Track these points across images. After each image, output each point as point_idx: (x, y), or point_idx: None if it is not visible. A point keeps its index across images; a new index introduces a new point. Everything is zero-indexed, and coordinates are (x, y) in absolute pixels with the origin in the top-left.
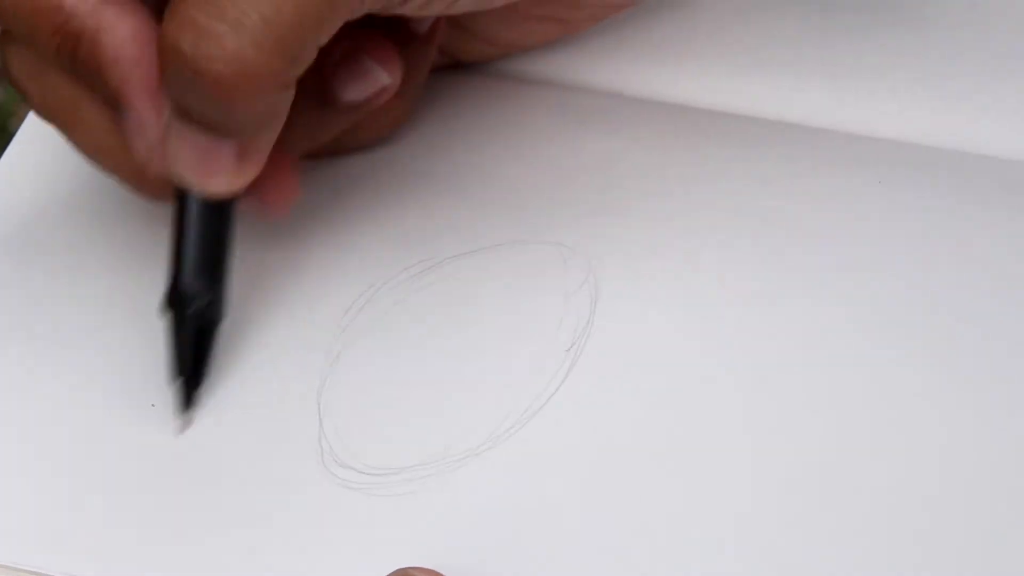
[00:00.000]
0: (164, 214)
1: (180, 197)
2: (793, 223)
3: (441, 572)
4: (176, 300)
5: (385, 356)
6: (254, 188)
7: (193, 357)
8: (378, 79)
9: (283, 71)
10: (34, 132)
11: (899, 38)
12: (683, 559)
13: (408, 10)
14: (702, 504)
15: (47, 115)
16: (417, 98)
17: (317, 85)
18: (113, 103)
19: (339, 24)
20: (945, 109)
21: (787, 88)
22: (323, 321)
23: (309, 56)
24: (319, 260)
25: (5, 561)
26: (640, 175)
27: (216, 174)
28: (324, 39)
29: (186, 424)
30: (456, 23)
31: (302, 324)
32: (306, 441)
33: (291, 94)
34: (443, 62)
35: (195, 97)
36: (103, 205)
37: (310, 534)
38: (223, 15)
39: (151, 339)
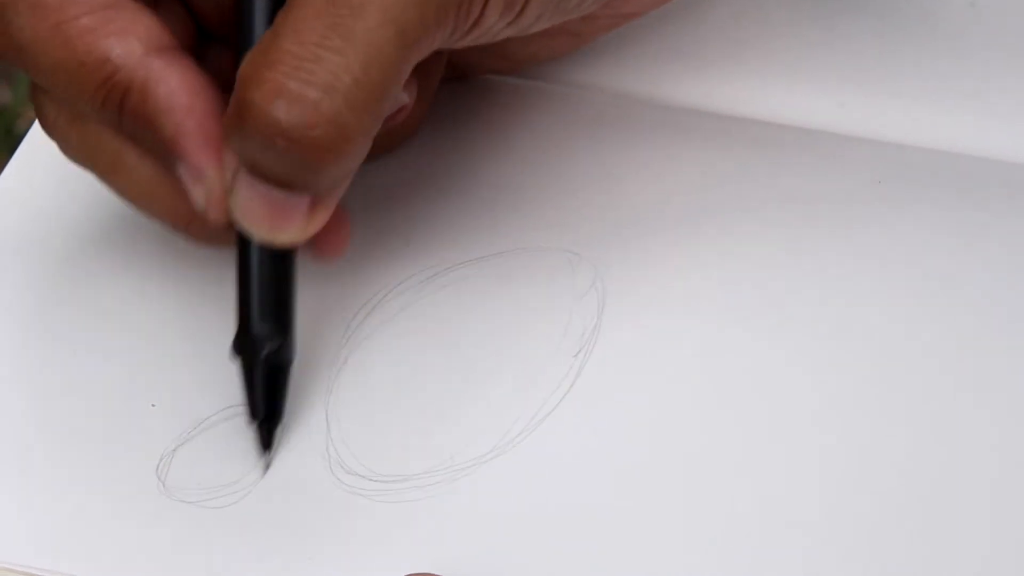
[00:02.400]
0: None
1: (242, 242)
2: (801, 228)
3: None
4: (247, 345)
5: (392, 363)
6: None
7: (267, 399)
8: (397, 98)
9: (373, 128)
10: (43, 135)
11: (903, 42)
12: (690, 565)
13: (459, 45)
14: (709, 510)
15: (87, 163)
16: (427, 109)
17: None
18: (164, 154)
19: (410, 71)
20: (947, 112)
21: (795, 92)
22: (330, 328)
23: (388, 108)
24: (326, 268)
25: (5, 562)
26: (646, 180)
27: (288, 227)
28: (400, 88)
29: (267, 465)
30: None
31: (309, 331)
32: (314, 448)
33: (369, 146)
34: (452, 74)
35: (280, 161)
36: (111, 210)
37: (318, 540)
38: (314, 79)
39: (152, 340)
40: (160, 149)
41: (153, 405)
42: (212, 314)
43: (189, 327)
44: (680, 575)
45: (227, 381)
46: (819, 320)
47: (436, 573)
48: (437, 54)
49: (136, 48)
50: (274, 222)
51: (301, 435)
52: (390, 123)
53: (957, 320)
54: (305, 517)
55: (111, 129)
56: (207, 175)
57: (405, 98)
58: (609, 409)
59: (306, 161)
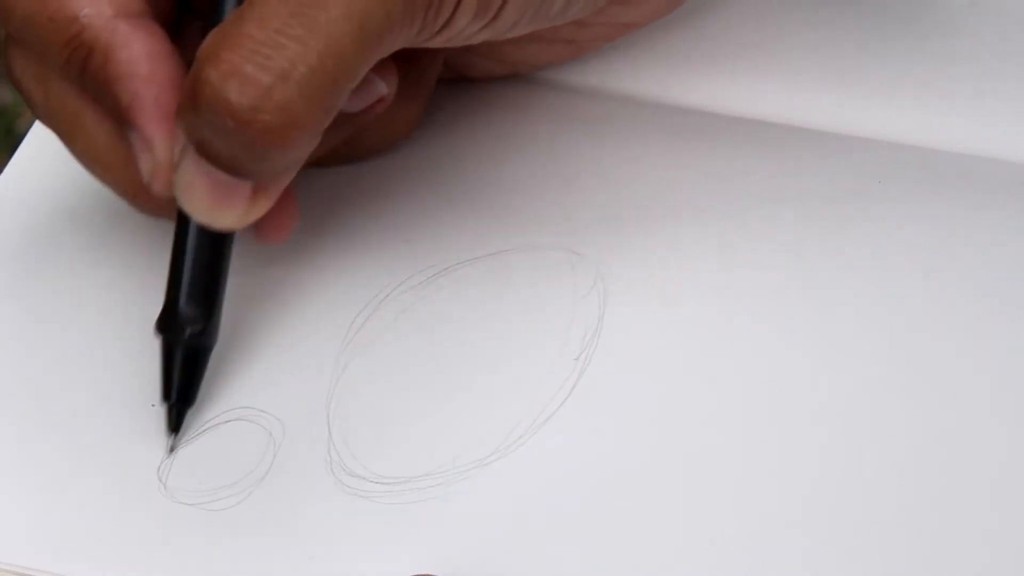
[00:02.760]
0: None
1: (181, 220)
2: (803, 228)
3: None
4: (170, 324)
5: (393, 365)
6: None
7: (183, 381)
8: (376, 89)
9: (324, 119)
10: (43, 135)
11: (904, 42)
12: (691, 567)
13: (429, 45)
14: (710, 511)
15: (48, 120)
16: (423, 110)
17: None
18: (120, 119)
19: (370, 66)
20: (947, 112)
21: (795, 92)
22: (331, 330)
23: (343, 101)
24: (326, 268)
25: (5, 563)
26: (647, 179)
27: (228, 210)
28: (356, 83)
29: (172, 447)
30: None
31: (310, 333)
32: (315, 449)
33: (319, 138)
34: (449, 76)
35: (227, 142)
36: (112, 209)
37: (319, 542)
38: (269, 65)
39: (152, 341)
40: (116, 114)
41: (153, 405)
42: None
43: None
44: None
45: (228, 382)
46: (821, 321)
47: (438, 574)
48: (432, 56)
49: (105, 10)
50: (215, 204)
51: (302, 436)
52: (368, 114)
53: (958, 320)
54: (306, 518)
55: (74, 89)
56: (156, 146)
57: (384, 88)
58: (611, 412)
59: (252, 145)
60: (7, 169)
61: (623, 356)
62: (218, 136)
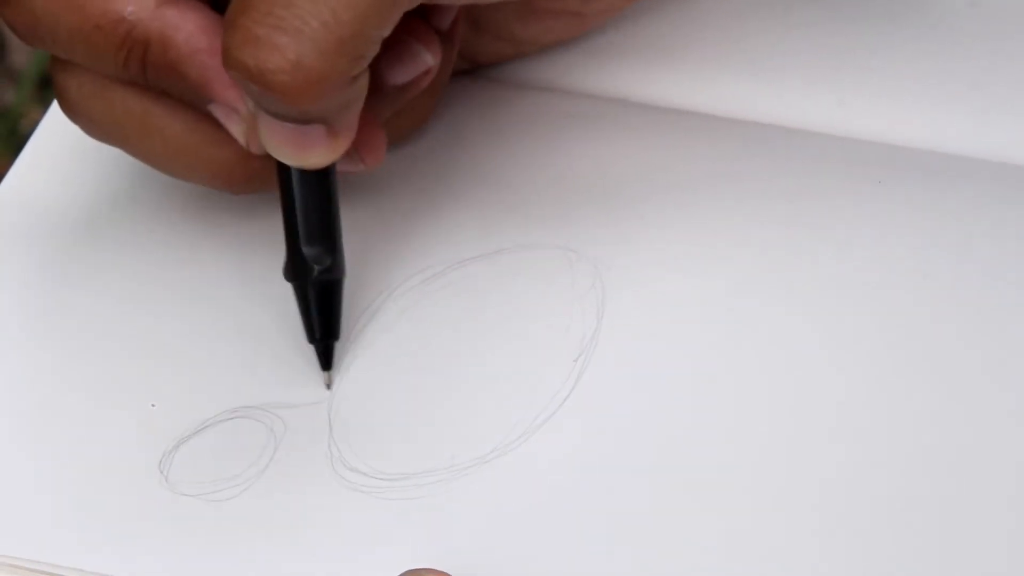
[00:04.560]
0: (172, 221)
1: (281, 169)
2: (802, 229)
3: (450, 574)
4: (299, 268)
5: (394, 362)
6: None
7: (324, 317)
8: (424, 60)
9: (348, 69)
10: (48, 137)
11: (903, 41)
12: (691, 568)
13: (454, 1)
14: (710, 512)
15: (116, 134)
16: (439, 97)
17: None
18: (195, 98)
19: (399, 15)
20: (947, 111)
21: (794, 91)
22: None
23: (374, 50)
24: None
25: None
26: (646, 180)
27: (311, 152)
28: (387, 31)
29: (329, 383)
30: (474, 22)
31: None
32: (316, 444)
33: (366, 77)
34: (461, 66)
35: (267, 103)
36: (115, 211)
37: (318, 535)
38: (282, 25)
39: (155, 340)
40: (191, 94)
41: (153, 405)
42: (213, 315)
43: (192, 327)
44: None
45: (228, 381)
46: (820, 321)
47: (436, 568)
48: (449, 46)
49: (148, 2)
50: (298, 149)
51: (303, 432)
52: (416, 85)
53: (958, 322)
54: (306, 512)
55: (136, 91)
56: (240, 107)
57: (429, 59)
58: (610, 411)
59: (283, 102)
60: (12, 170)
61: (621, 356)
62: (259, 99)
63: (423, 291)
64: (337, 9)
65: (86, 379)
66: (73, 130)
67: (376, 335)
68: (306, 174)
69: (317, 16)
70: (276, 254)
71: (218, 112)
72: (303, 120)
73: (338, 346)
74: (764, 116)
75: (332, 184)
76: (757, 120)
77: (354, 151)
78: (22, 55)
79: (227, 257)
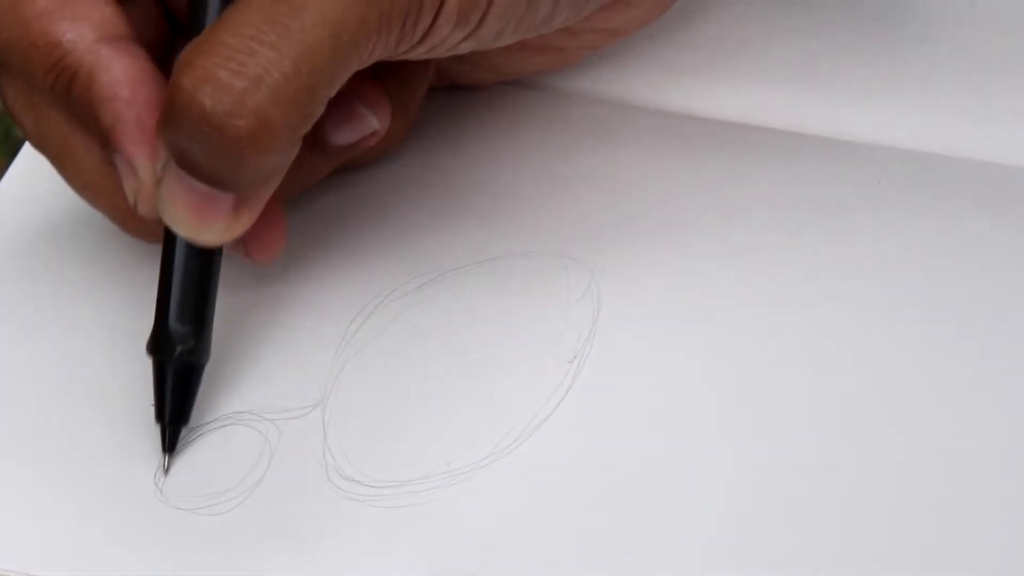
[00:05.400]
0: None
1: (168, 238)
2: (797, 234)
3: None
4: (161, 344)
5: (388, 369)
6: (242, 236)
7: (176, 400)
8: (368, 124)
9: (300, 127)
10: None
11: (903, 42)
12: (687, 570)
13: (412, 56)
14: (706, 514)
15: (39, 146)
16: (411, 121)
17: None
18: (104, 142)
19: (348, 76)
20: (947, 112)
21: (793, 92)
22: (326, 334)
23: (321, 110)
24: (321, 275)
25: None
26: (641, 185)
27: (211, 224)
28: (334, 91)
29: (167, 467)
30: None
31: (305, 337)
32: (310, 453)
33: (297, 149)
34: (440, 84)
35: (204, 150)
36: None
37: (314, 546)
38: (244, 71)
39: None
40: (100, 137)
41: (153, 405)
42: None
43: None
44: None
45: (223, 386)
46: (816, 326)
47: None
48: (420, 67)
49: (88, 34)
50: (197, 217)
51: (297, 441)
52: (360, 147)
53: (959, 323)
54: (301, 523)
55: (63, 115)
56: (139, 167)
57: (375, 123)
58: (605, 414)
59: (228, 151)
60: (7, 173)
61: (617, 359)
62: (195, 144)
63: (416, 296)
64: (298, 63)
65: (82, 383)
66: None
67: (369, 340)
68: (192, 249)
69: (279, 68)
70: (273, 263)
71: (119, 164)
72: (225, 181)
73: (333, 351)
74: (761, 117)
75: (216, 265)
76: (755, 123)
77: (241, 243)
78: None
79: (228, 260)
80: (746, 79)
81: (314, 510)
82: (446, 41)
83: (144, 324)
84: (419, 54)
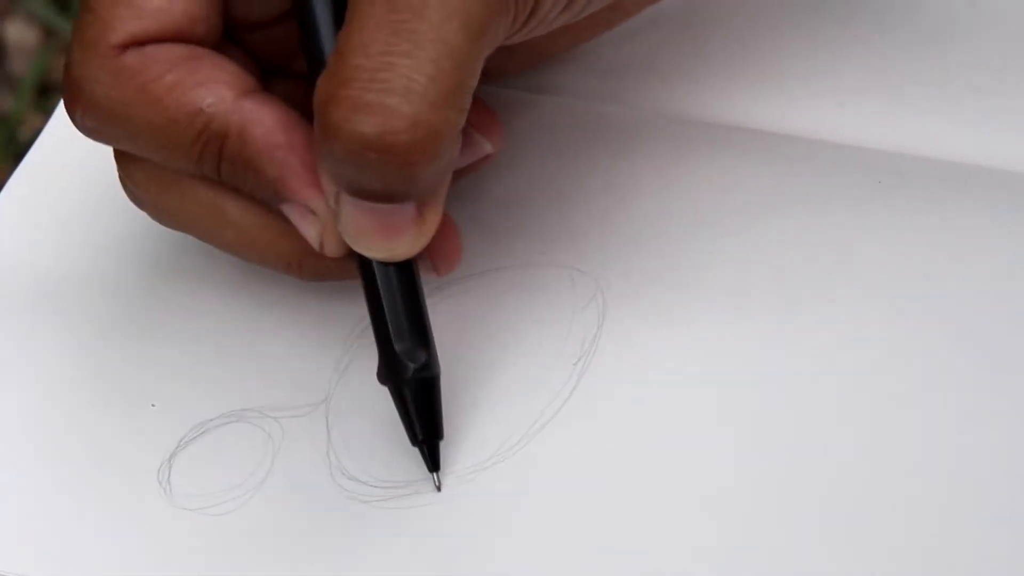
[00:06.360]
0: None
1: (364, 267)
2: (802, 239)
3: None
4: (393, 368)
5: None
6: (426, 251)
7: (425, 417)
8: (482, 148)
9: (458, 122)
10: (48, 146)
11: (903, 42)
12: (690, 570)
13: (518, 38)
14: (708, 519)
15: (188, 227)
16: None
17: None
18: (270, 196)
19: (483, 62)
20: (947, 112)
21: (794, 91)
22: (331, 334)
23: (469, 100)
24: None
25: (5, 569)
26: (647, 192)
27: (400, 239)
28: (477, 80)
29: (439, 484)
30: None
31: (310, 336)
32: (314, 453)
33: (460, 142)
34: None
35: (374, 174)
36: (114, 217)
37: (318, 545)
38: (390, 87)
39: (153, 342)
40: (265, 191)
41: (153, 405)
42: (211, 317)
43: (190, 330)
44: None
45: (227, 383)
46: (819, 330)
47: None
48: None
49: (226, 95)
50: (387, 236)
51: (301, 439)
52: (473, 170)
53: (959, 325)
54: (305, 522)
55: (207, 185)
56: (317, 208)
57: (489, 148)
58: (609, 416)
59: (400, 168)
60: (12, 179)
61: (621, 362)
62: (365, 172)
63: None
64: (439, 61)
65: (84, 385)
66: (74, 138)
67: (373, 342)
68: (390, 268)
69: (422, 71)
70: None
71: (292, 212)
72: (401, 195)
73: (338, 350)
74: (763, 119)
75: (416, 275)
76: (756, 127)
77: (428, 258)
78: (21, 62)
79: (229, 259)
80: (748, 84)
81: (317, 509)
82: (548, 16)
83: (146, 322)
84: (524, 35)
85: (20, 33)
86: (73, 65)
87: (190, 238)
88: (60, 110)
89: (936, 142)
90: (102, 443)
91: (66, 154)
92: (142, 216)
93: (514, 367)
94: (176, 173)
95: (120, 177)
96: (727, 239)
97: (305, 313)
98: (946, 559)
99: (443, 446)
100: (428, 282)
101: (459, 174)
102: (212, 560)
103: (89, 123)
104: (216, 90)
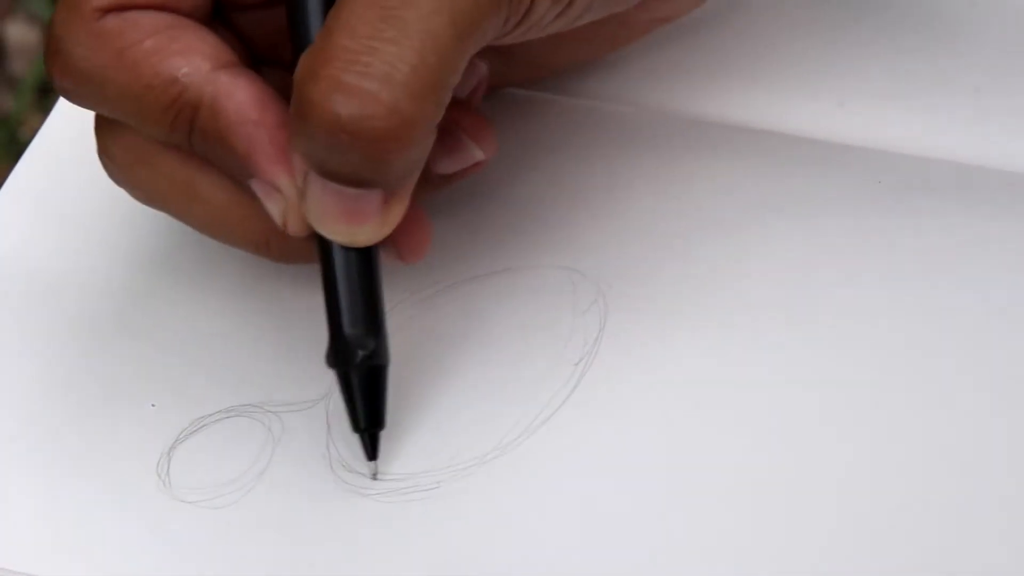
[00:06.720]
0: (172, 222)
1: (324, 250)
2: (804, 242)
3: None
4: (341, 353)
5: (393, 363)
6: (393, 238)
7: (369, 406)
8: (473, 155)
9: (435, 116)
10: (48, 144)
11: (903, 42)
12: (690, 569)
13: (510, 39)
14: (706, 518)
15: (160, 201)
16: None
17: None
18: (238, 170)
19: (467, 60)
20: (947, 112)
21: (794, 91)
22: None
23: (449, 97)
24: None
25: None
26: (648, 192)
27: (364, 225)
28: (459, 77)
29: (375, 473)
30: (501, 51)
31: (311, 329)
32: (315, 446)
33: (434, 137)
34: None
35: (345, 156)
36: (113, 215)
37: (318, 539)
38: (371, 71)
39: (152, 343)
40: (233, 166)
41: (153, 405)
42: (212, 313)
43: (190, 326)
44: None
45: (226, 381)
46: (820, 332)
47: (434, 572)
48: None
49: (202, 65)
50: (350, 220)
51: (301, 433)
52: (463, 176)
53: (959, 325)
54: (305, 516)
55: (180, 158)
56: (282, 186)
57: (479, 154)
58: (609, 414)
59: (371, 153)
60: (11, 178)
61: (622, 362)
62: (336, 153)
63: (427, 303)
64: (423, 53)
65: (84, 379)
66: (73, 137)
67: None
68: (350, 252)
69: (405, 60)
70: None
71: (258, 188)
72: (367, 182)
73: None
74: (763, 118)
75: (376, 263)
76: (756, 127)
77: (393, 246)
78: (22, 63)
79: (227, 254)
80: (750, 84)
81: (317, 503)
82: (542, 20)
83: (145, 319)
84: (516, 37)
85: (21, 33)
86: (55, 25)
87: (189, 234)
88: (59, 108)
89: (936, 142)
90: (101, 437)
91: (65, 152)
92: (141, 214)
93: (515, 367)
94: (150, 147)
95: (98, 149)
96: (727, 239)
97: (305, 308)
98: (954, 560)
99: (441, 439)
100: (432, 283)
101: (449, 180)
102: (211, 553)
103: (66, 84)
104: (193, 60)
